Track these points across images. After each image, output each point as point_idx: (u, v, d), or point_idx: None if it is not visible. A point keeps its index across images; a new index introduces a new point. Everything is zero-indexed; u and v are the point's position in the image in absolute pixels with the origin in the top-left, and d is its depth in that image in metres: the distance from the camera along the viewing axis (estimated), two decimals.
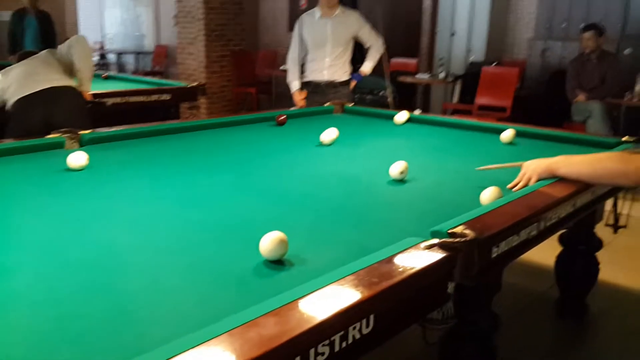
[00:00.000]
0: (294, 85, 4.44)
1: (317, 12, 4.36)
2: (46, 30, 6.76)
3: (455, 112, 6.69)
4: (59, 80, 3.56)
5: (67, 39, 3.93)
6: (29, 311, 1.07)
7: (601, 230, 2.70)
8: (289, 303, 0.98)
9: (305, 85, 4.45)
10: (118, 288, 1.17)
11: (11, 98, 3.43)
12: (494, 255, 1.44)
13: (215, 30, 7.82)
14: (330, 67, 4.37)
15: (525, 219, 1.56)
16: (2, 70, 3.58)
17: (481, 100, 6.44)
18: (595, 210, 2.48)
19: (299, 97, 4.41)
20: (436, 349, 1.73)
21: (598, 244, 2.72)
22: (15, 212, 1.64)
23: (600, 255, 2.76)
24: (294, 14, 11.10)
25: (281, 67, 8.81)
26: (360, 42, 4.50)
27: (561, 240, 2.74)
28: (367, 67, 4.55)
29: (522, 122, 3.21)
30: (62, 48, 3.78)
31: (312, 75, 4.43)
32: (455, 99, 7.17)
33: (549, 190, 1.81)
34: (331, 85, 4.41)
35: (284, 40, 11.12)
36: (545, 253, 2.72)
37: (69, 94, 3.59)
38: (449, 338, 1.72)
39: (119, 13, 13.61)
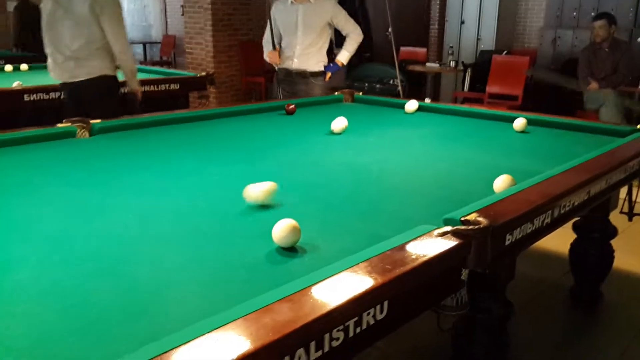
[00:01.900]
0: (267, 48, 4.21)
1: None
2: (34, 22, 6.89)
3: (466, 100, 6.66)
4: None
5: None
6: (36, 302, 1.07)
7: (616, 217, 2.67)
8: (302, 289, 0.98)
9: (279, 72, 4.24)
10: (126, 278, 1.16)
11: None
12: (507, 242, 1.43)
13: (223, 19, 7.79)
14: (301, 55, 4.11)
15: (539, 207, 1.54)
16: None
17: (492, 88, 6.40)
18: (610, 198, 2.45)
19: (272, 55, 4.16)
20: (450, 336, 1.73)
21: (613, 232, 2.69)
22: (24, 202, 1.64)
23: (615, 243, 2.73)
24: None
25: None
26: (338, 30, 4.29)
27: (575, 227, 2.72)
28: (343, 57, 4.26)
29: (534, 111, 3.18)
30: None
31: (284, 63, 4.19)
32: (466, 87, 7.12)
33: (563, 178, 1.79)
34: (302, 75, 4.15)
35: None
36: (560, 240, 2.70)
37: None
38: (462, 325, 1.71)
39: (126, 3, 13.58)
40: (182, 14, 8.95)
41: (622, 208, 2.62)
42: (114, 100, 3.66)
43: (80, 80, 3.51)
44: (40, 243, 1.35)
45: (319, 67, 4.17)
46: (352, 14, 8.48)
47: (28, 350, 0.91)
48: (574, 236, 2.75)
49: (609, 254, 2.73)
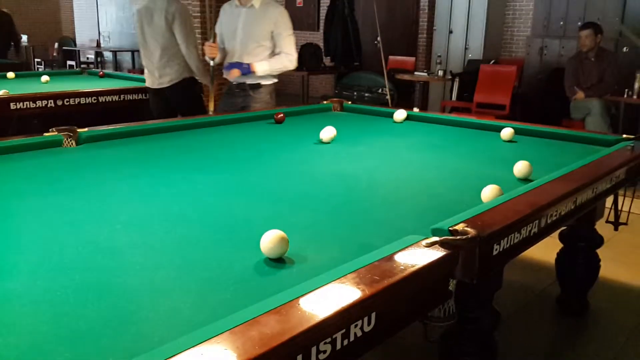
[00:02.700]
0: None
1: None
2: (8, 31, 7.18)
3: (454, 109, 6.70)
4: None
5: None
6: (25, 312, 1.05)
7: (602, 227, 2.69)
8: (290, 301, 0.97)
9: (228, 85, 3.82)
10: (116, 288, 1.15)
11: None
12: (495, 252, 1.44)
13: (212, 27, 7.79)
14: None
15: (527, 217, 1.55)
16: None
17: (480, 98, 6.45)
18: (596, 207, 2.47)
19: (210, 47, 3.66)
20: (438, 346, 1.73)
21: (599, 241, 2.72)
22: (12, 212, 1.63)
23: (601, 252, 2.75)
24: (291, 12, 11.07)
25: None
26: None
27: (562, 237, 2.74)
28: (260, 67, 3.60)
29: (521, 120, 3.21)
30: None
31: (224, 73, 3.77)
32: (454, 96, 7.17)
33: (550, 188, 1.80)
34: (240, 87, 3.72)
35: None
36: (546, 250, 2.72)
37: None
38: (449, 335, 1.71)
39: (115, 11, 13.56)
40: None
41: (608, 217, 2.65)
42: (197, 99, 4.32)
43: (166, 87, 4.14)
44: (30, 253, 1.33)
45: (260, 80, 3.69)
46: (342, 22, 8.59)
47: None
48: (560, 245, 2.77)
49: (595, 263, 2.75)
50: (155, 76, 4.14)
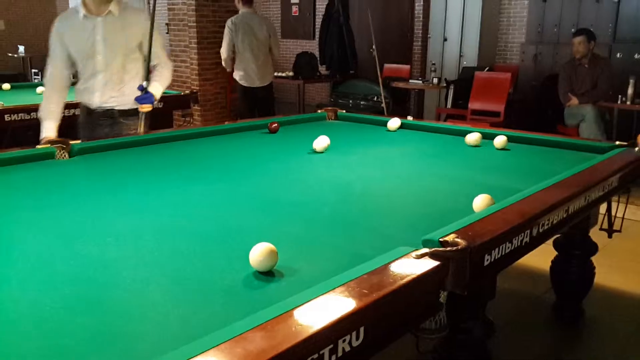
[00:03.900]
0: (46, 128, 2.88)
1: (80, 9, 2.93)
2: None
3: (449, 117, 6.71)
4: None
5: None
6: (13, 326, 1.05)
7: (596, 234, 2.69)
8: (276, 317, 0.97)
9: (83, 109, 3.13)
10: (105, 302, 1.15)
11: None
12: (486, 263, 1.43)
13: (208, 37, 7.81)
14: (105, 87, 3.01)
15: (517, 226, 1.55)
16: None
17: (474, 105, 6.46)
18: (590, 215, 2.47)
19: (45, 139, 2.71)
20: (431, 358, 1.72)
21: (593, 249, 2.71)
22: (2, 225, 1.62)
23: (596, 259, 2.75)
24: (286, 20, 11.15)
25: (275, 74, 8.82)
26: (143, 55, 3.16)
27: (556, 245, 2.74)
28: (157, 91, 3.16)
29: (516, 126, 3.22)
30: None
31: (82, 97, 3.09)
32: (449, 104, 7.19)
33: (541, 196, 1.80)
34: (107, 114, 3.07)
35: None
36: (542, 257, 2.71)
37: None
38: (442, 347, 1.71)
39: None
40: (167, 32, 8.96)
41: (602, 225, 2.64)
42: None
43: (262, 86, 5.67)
44: (20, 266, 1.33)
45: (134, 104, 3.09)
46: (337, 31, 8.61)
47: None
48: (555, 253, 2.77)
49: (590, 270, 2.74)
50: (256, 78, 5.63)
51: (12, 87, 5.13)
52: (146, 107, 3.11)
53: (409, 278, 1.16)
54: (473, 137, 2.82)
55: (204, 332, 0.94)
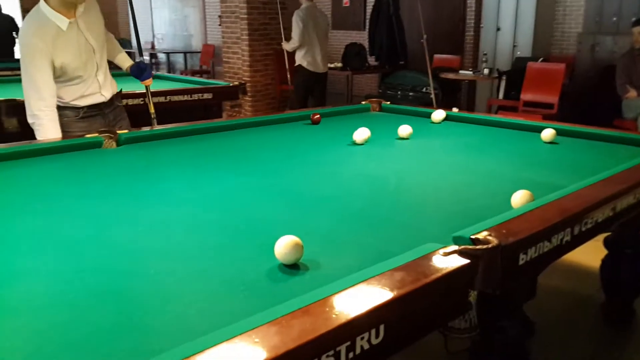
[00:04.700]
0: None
1: (56, 20, 2.66)
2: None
3: (501, 109, 6.53)
4: None
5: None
6: (38, 314, 1.08)
7: None
8: (291, 312, 0.96)
9: (71, 111, 2.88)
10: (127, 293, 1.16)
11: None
12: (521, 262, 1.37)
13: (259, 29, 7.87)
14: (105, 80, 2.99)
15: (557, 224, 1.48)
16: None
17: (527, 96, 6.25)
18: None
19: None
20: (467, 357, 1.68)
21: None
22: (43, 213, 1.67)
23: None
24: (337, 12, 11.09)
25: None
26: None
27: (606, 243, 2.62)
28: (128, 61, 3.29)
29: (571, 119, 3.09)
30: None
31: (82, 101, 2.90)
32: (501, 95, 6.99)
33: (585, 193, 1.72)
34: (110, 104, 3.06)
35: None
36: (591, 255, 2.61)
37: None
38: (477, 347, 1.66)
39: (168, 14, 13.91)
40: (220, 24, 9.08)
41: None
42: None
43: (324, 72, 6.53)
44: (52, 255, 1.37)
45: (116, 86, 3.15)
46: (386, 21, 8.50)
47: None
48: (606, 251, 2.65)
49: None
50: (321, 64, 6.42)
51: None
52: (150, 81, 3.28)
53: (433, 276, 1.13)
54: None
55: (221, 326, 0.94)
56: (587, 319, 2.80)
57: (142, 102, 3.71)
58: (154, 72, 5.18)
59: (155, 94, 4.22)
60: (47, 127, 2.69)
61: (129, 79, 3.51)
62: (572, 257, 1.74)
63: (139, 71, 3.21)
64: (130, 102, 3.72)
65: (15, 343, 0.99)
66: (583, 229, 1.63)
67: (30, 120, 2.71)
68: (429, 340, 1.21)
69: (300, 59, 6.47)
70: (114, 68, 3.24)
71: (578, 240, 1.63)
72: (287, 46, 6.55)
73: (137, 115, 3.46)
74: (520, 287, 1.64)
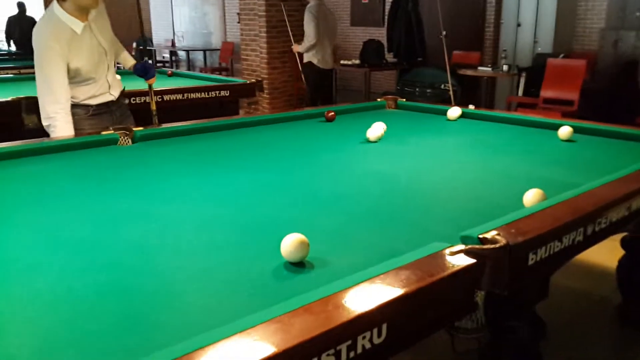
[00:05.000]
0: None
1: (71, 24, 2.71)
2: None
3: (520, 106, 6.45)
4: None
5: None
6: (47, 309, 1.10)
7: None
8: (292, 310, 0.96)
9: (82, 109, 2.91)
10: (134, 289, 1.18)
11: None
12: (530, 262, 1.36)
13: (277, 26, 7.88)
14: (113, 79, 3.07)
15: (568, 224, 1.46)
16: None
17: (547, 93, 6.17)
18: None
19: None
20: (477, 356, 1.67)
21: None
22: (57, 209, 1.70)
23: None
24: (356, 8, 11.05)
25: (341, 62, 8.79)
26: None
27: (623, 243, 2.57)
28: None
29: (591, 117, 3.03)
30: None
31: (93, 100, 2.94)
32: (520, 92, 6.91)
33: (599, 192, 1.69)
34: (117, 102, 3.11)
35: (346, 34, 11.08)
36: (608, 255, 2.57)
37: None
38: (487, 346, 1.65)
39: (188, 11, 14.00)
40: (239, 21, 9.11)
41: None
42: None
43: (332, 69, 6.69)
44: (63, 251, 1.39)
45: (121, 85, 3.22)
46: (405, 18, 8.44)
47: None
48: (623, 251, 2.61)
49: None
50: (330, 61, 6.52)
51: None
52: (153, 80, 3.36)
53: (438, 276, 1.12)
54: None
55: (223, 324, 0.94)
56: (603, 321, 2.75)
57: (143, 101, 3.77)
58: (171, 70, 5.23)
59: (173, 91, 4.26)
60: (62, 129, 2.72)
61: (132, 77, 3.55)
62: (588, 257, 1.71)
63: (144, 70, 3.30)
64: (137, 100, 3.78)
65: (23, 338, 1.01)
66: (596, 228, 1.61)
67: (45, 122, 2.74)
68: (436, 340, 1.20)
69: (311, 56, 6.49)
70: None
71: (591, 240, 1.60)
72: (300, 47, 6.53)
73: (139, 113, 3.49)
74: (531, 288, 1.63)
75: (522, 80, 6.80)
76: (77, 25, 2.74)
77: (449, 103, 4.14)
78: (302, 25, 6.91)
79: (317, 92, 6.67)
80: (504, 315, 1.51)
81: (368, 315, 0.99)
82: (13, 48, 10.32)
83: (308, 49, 6.47)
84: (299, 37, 8.21)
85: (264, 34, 7.93)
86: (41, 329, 1.03)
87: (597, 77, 6.95)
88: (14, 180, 2.03)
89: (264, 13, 7.81)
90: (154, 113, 3.49)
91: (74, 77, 2.81)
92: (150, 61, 3.20)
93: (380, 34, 9.89)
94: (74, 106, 2.88)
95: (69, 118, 2.76)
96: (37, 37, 2.71)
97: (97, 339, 0.99)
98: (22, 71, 5.51)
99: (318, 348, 0.91)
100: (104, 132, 2.61)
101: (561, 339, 2.47)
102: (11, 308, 1.12)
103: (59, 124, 2.71)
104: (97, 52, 2.88)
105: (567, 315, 2.71)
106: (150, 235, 1.49)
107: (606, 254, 2.26)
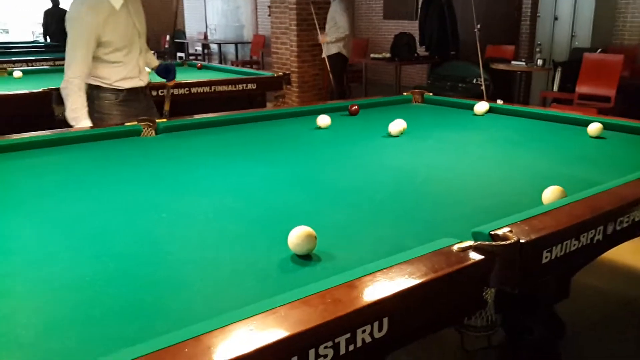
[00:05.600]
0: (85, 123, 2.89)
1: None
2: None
3: (555, 101, 6.30)
4: None
5: None
6: (53, 295, 1.12)
7: None
8: (291, 302, 0.95)
9: (112, 94, 3.04)
10: (141, 278, 1.19)
11: None
12: (545, 260, 1.32)
13: (307, 19, 7.87)
14: (143, 67, 3.18)
15: (585, 222, 1.42)
16: None
17: (582, 89, 6.01)
18: None
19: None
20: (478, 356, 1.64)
21: None
22: (77, 199, 1.73)
23: None
24: (389, 1, 10.94)
25: (371, 55, 8.73)
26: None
27: None
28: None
29: (629, 114, 2.94)
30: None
31: (124, 83, 3.06)
32: (555, 87, 6.74)
33: (621, 191, 1.64)
34: (145, 90, 3.23)
35: (378, 27, 11.00)
36: (639, 255, 2.49)
37: None
38: (502, 345, 1.62)
39: (220, 4, 14.11)
40: (269, 14, 9.14)
41: None
42: None
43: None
44: (77, 240, 1.41)
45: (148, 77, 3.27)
46: (438, 10, 8.32)
47: (32, 340, 0.97)
48: None
49: None
50: (350, 50, 7.05)
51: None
52: (173, 82, 3.48)
53: (443, 271, 1.10)
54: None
55: (224, 313, 0.94)
56: (630, 324, 2.67)
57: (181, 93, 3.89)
58: (201, 63, 5.27)
59: (200, 84, 4.30)
60: (74, 93, 2.88)
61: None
62: (618, 257, 1.65)
63: (166, 71, 3.44)
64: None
65: (30, 319, 1.04)
66: (618, 227, 1.56)
67: (62, 85, 2.92)
68: (446, 337, 1.18)
69: (340, 47, 6.98)
70: None
71: (612, 240, 1.55)
72: (329, 38, 6.89)
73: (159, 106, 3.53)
74: (549, 287, 1.59)
75: (558, 75, 6.63)
76: (117, 1, 2.90)
77: (480, 98, 4.07)
78: (319, 24, 7.09)
79: (342, 83, 7.04)
80: (516, 314, 1.48)
81: (368, 308, 0.98)
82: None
83: (339, 39, 6.59)
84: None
85: (295, 27, 7.93)
86: (49, 312, 1.06)
87: (636, 73, 6.74)
88: (39, 168, 2.08)
89: (294, 6, 7.82)
90: (166, 114, 3.54)
91: (107, 53, 2.96)
92: (173, 62, 3.37)
93: (412, 27, 9.78)
94: (105, 90, 3.04)
95: (82, 86, 2.92)
96: (74, 9, 2.89)
97: (100, 324, 1.00)
98: (56, 62, 5.64)
99: (315, 340, 0.90)
100: (127, 124, 2.65)
101: (586, 341, 2.41)
102: (23, 291, 1.15)
103: (73, 88, 2.87)
104: (131, 32, 3.03)
105: (594, 317, 2.64)
106: (163, 226, 1.51)
107: (636, 254, 2.18)
